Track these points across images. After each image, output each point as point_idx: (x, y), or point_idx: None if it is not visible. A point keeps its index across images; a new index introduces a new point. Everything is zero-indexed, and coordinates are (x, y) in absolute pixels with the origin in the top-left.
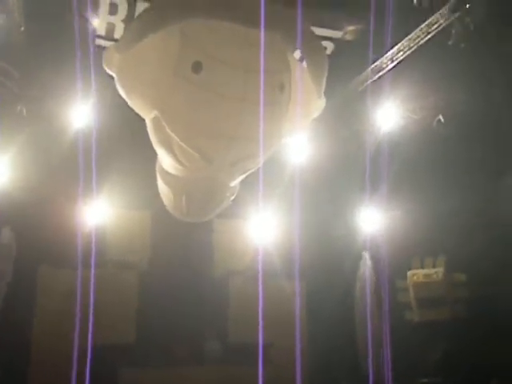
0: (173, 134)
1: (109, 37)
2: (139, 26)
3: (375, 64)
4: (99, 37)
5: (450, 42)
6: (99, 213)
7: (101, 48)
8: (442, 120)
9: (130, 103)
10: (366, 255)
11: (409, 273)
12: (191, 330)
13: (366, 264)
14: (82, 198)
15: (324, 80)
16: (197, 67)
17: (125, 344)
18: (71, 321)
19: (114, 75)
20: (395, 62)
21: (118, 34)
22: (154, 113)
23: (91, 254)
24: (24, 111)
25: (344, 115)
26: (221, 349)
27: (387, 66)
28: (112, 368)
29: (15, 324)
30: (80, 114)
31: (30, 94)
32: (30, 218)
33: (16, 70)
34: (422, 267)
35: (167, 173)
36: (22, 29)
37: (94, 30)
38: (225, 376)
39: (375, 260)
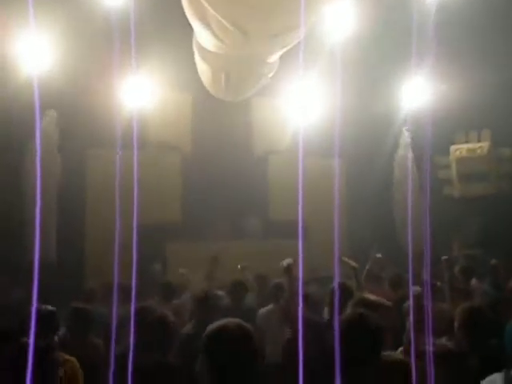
0: (207, 5)
1: None
2: None
3: None
4: None
5: None
6: (141, 94)
7: None
8: None
9: None
10: (406, 132)
11: (452, 147)
12: (233, 207)
13: (406, 141)
14: (124, 79)
15: None
16: None
17: (171, 221)
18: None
19: None
20: None
21: None
22: None
23: (133, 135)
24: None
25: None
26: (261, 225)
27: None
28: (160, 243)
29: (69, 207)
30: None
31: None
32: (73, 100)
33: None
34: (467, 142)
35: (205, 49)
36: None
37: None
38: (264, 249)
39: (416, 136)
